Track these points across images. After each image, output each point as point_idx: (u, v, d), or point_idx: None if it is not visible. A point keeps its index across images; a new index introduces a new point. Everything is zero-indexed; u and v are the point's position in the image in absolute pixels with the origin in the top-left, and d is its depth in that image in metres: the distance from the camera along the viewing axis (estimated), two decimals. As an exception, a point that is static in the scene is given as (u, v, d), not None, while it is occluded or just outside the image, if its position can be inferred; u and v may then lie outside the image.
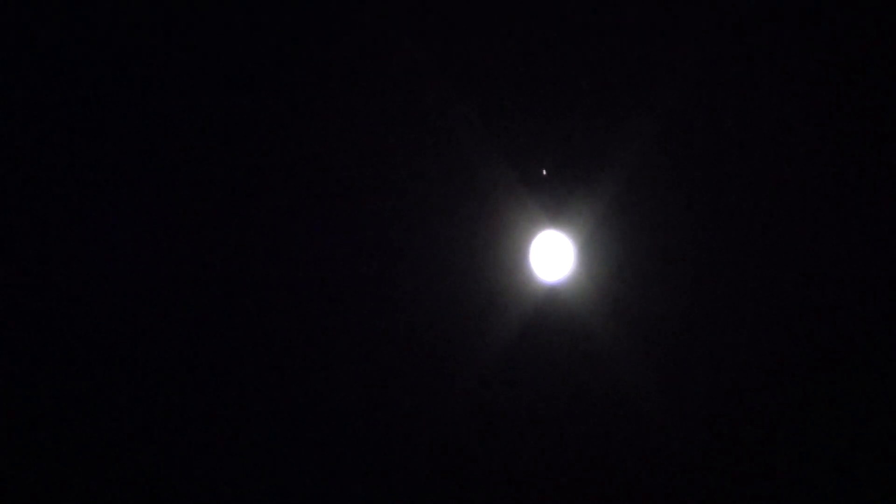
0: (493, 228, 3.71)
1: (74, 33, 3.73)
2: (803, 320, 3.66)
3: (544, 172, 3.68)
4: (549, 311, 3.70)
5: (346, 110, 3.73)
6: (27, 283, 3.74)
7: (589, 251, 3.70)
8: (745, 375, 3.68)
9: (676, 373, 3.68)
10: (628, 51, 3.67)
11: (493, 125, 3.68)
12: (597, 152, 3.67)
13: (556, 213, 3.70)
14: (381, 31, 3.71)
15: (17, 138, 3.76)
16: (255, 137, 3.74)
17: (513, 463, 3.72)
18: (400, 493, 3.72)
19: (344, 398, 3.73)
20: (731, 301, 3.67)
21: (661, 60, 3.65)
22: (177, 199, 3.74)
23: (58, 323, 3.75)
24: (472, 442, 3.72)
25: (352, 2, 3.71)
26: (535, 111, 3.69)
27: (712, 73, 3.65)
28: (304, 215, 3.74)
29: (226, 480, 3.75)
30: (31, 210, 3.75)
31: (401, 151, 3.71)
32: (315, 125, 3.74)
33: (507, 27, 3.70)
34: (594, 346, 3.69)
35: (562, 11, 3.69)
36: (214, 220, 3.75)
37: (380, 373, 3.73)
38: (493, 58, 3.70)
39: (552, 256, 3.70)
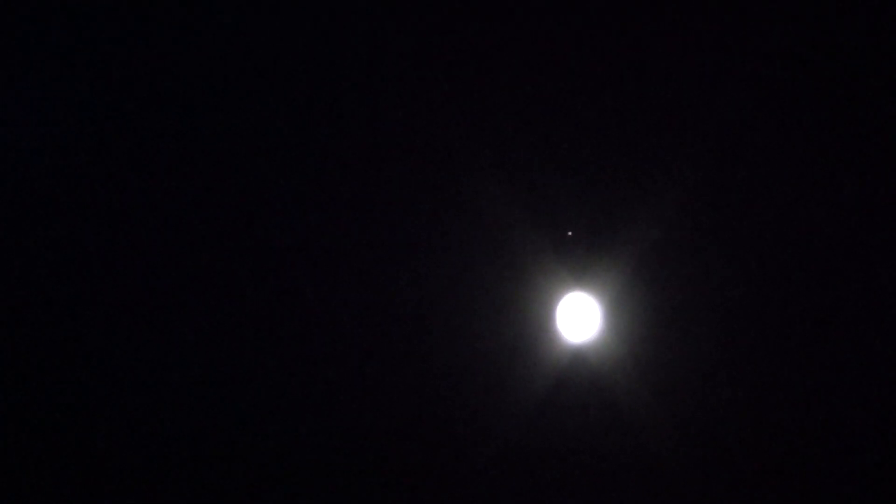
0: (519, 290, 3.73)
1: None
2: (833, 383, 3.64)
3: (570, 234, 3.71)
4: (576, 372, 3.70)
5: (376, 170, 3.78)
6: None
7: (615, 313, 3.70)
8: (771, 437, 3.65)
9: (702, 435, 3.66)
10: (656, 114, 3.71)
11: (519, 187, 3.72)
12: (622, 214, 3.69)
13: (582, 275, 3.71)
14: (413, 95, 3.76)
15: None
16: (290, 202, 3.80)
17: (539, 526, 3.70)
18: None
19: (369, 459, 3.73)
20: (758, 363, 3.66)
21: (688, 123, 3.68)
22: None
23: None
24: (499, 502, 3.71)
25: (382, 67, 3.78)
26: (561, 173, 3.73)
27: (739, 136, 3.68)
28: (330, 274, 3.78)
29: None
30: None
31: (428, 214, 3.75)
32: (346, 186, 3.79)
33: (536, 92, 3.75)
34: (620, 407, 3.68)
35: (590, 75, 3.74)
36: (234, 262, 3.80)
37: (406, 433, 3.73)
38: (520, 120, 3.75)
39: (578, 318, 3.71)
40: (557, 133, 3.74)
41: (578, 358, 3.71)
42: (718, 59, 3.69)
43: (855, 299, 3.64)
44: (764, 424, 3.65)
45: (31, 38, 3.88)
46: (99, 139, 3.86)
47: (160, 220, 3.82)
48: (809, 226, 3.66)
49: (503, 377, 3.72)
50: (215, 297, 3.80)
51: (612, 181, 3.71)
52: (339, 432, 3.76)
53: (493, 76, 3.76)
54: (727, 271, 3.69)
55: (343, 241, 3.78)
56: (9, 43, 3.88)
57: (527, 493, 3.71)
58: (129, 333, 3.81)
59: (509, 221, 3.71)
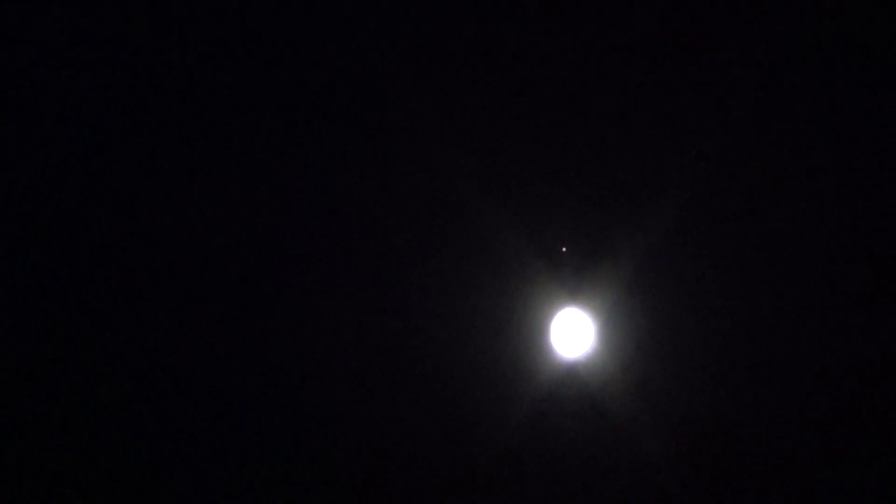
0: (513, 306, 3.75)
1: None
2: (827, 397, 3.69)
3: (564, 250, 3.73)
4: (569, 387, 3.73)
5: (371, 189, 3.79)
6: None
7: (609, 328, 3.73)
8: (764, 451, 3.70)
9: (695, 449, 3.70)
10: (649, 133, 3.73)
11: (514, 204, 3.74)
12: (616, 231, 3.72)
13: (576, 291, 3.74)
14: (408, 113, 3.77)
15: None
16: (289, 227, 3.79)
17: (534, 540, 3.73)
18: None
19: (363, 472, 3.74)
20: (751, 379, 3.70)
21: (680, 142, 3.72)
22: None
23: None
24: (493, 519, 3.73)
25: (382, 85, 3.78)
26: (555, 190, 3.75)
27: (731, 155, 3.71)
28: (326, 290, 3.78)
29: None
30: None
31: (423, 230, 3.76)
32: (342, 203, 3.79)
33: (531, 111, 3.76)
34: (614, 422, 3.71)
35: (584, 94, 3.76)
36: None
37: (401, 447, 3.74)
38: (515, 138, 3.76)
39: (572, 334, 3.74)
40: (553, 150, 3.76)
41: (572, 373, 3.74)
42: (712, 81, 3.72)
43: (848, 313, 3.69)
44: (757, 439, 3.70)
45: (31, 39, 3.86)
46: (99, 139, 3.84)
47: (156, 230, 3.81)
48: (802, 241, 3.71)
49: (498, 392, 3.73)
50: (215, 311, 3.79)
51: (606, 198, 3.73)
52: (334, 444, 3.76)
53: (488, 96, 3.78)
54: (720, 287, 3.73)
55: (339, 257, 3.78)
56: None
57: (521, 507, 3.74)
58: (130, 336, 3.80)
59: (504, 238, 3.73)
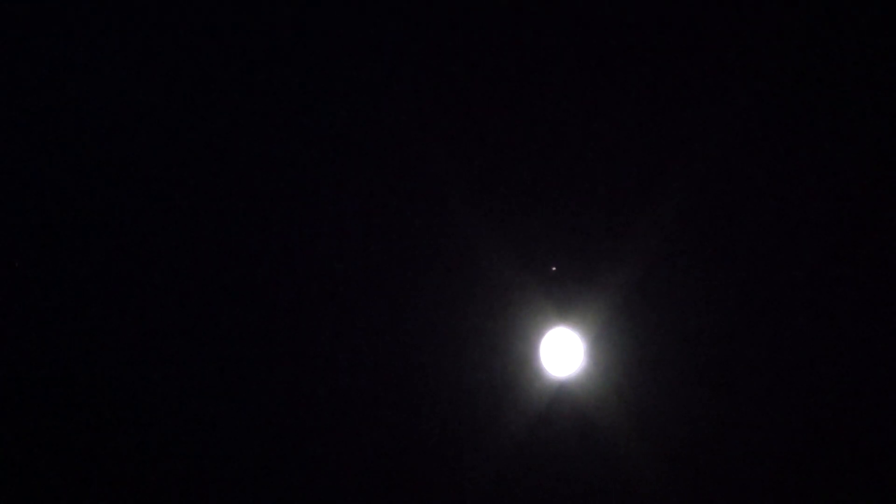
0: (503, 325, 3.77)
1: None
2: (818, 415, 3.66)
3: (554, 269, 3.74)
4: (559, 406, 3.73)
5: (360, 209, 3.83)
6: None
7: (598, 348, 3.74)
8: (757, 469, 3.67)
9: (685, 468, 3.69)
10: (637, 151, 3.74)
11: (503, 223, 3.76)
12: (606, 250, 3.72)
13: (565, 310, 3.74)
14: (398, 139, 3.81)
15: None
16: (280, 240, 3.85)
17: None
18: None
19: (355, 499, 3.77)
20: (742, 397, 3.68)
21: (669, 161, 3.71)
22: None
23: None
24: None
25: (376, 111, 3.83)
26: (545, 209, 3.76)
27: (720, 172, 3.70)
28: (319, 311, 3.83)
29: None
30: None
31: (413, 250, 3.79)
32: (333, 224, 3.84)
33: (520, 134, 3.79)
34: (604, 441, 3.70)
35: (573, 113, 3.77)
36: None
37: (393, 468, 3.77)
38: (505, 157, 3.79)
39: (562, 353, 3.75)
40: (542, 170, 3.77)
41: (562, 392, 3.75)
42: (703, 104, 3.72)
43: (842, 333, 3.66)
44: (749, 456, 3.67)
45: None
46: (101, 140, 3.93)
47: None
48: (792, 263, 3.68)
49: (488, 411, 3.75)
50: (210, 342, 3.86)
51: (595, 217, 3.74)
52: (323, 466, 3.80)
53: (476, 117, 3.80)
54: (709, 305, 3.71)
55: (328, 279, 3.82)
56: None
57: (511, 526, 3.74)
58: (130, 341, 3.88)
59: (494, 257, 3.75)
